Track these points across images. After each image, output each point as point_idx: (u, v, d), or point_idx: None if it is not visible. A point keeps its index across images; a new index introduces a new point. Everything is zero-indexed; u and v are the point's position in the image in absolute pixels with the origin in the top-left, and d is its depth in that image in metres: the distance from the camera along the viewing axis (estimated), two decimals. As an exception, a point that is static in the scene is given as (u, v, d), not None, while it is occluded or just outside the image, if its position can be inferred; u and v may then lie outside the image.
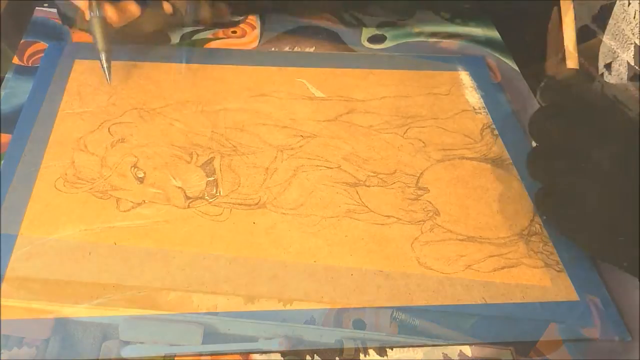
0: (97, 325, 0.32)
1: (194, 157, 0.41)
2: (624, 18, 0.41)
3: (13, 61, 0.47)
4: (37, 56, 0.47)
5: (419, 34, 0.56)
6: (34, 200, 0.37)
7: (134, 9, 0.45)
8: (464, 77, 0.51)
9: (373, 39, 0.54)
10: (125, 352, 0.31)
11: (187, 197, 0.38)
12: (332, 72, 0.49)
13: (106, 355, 0.30)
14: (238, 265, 0.35)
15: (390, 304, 0.34)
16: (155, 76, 0.47)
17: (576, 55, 0.41)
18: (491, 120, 0.47)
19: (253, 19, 0.55)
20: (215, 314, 0.33)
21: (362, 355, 0.32)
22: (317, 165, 0.41)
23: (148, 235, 0.36)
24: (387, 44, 0.54)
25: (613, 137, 0.33)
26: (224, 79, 0.47)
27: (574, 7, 0.42)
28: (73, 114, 0.43)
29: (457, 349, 0.33)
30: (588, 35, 0.45)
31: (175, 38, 0.51)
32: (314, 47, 0.52)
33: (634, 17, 0.40)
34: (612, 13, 0.43)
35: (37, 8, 0.52)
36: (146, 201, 0.38)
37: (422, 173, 0.42)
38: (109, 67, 0.43)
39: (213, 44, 0.51)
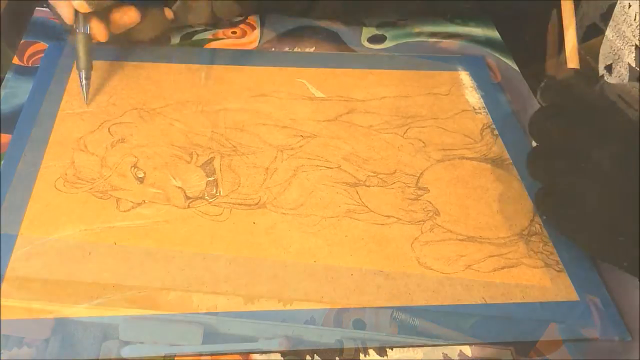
0: (97, 325, 0.32)
1: (194, 157, 0.41)
2: (624, 20, 0.41)
3: (13, 61, 0.47)
4: (37, 56, 0.47)
5: (419, 34, 0.56)
6: (34, 200, 0.37)
7: (134, 15, 0.44)
8: (464, 77, 0.51)
9: (373, 39, 0.54)
10: (125, 352, 0.31)
11: (187, 197, 0.38)
12: (332, 72, 0.49)
13: (106, 355, 0.30)
14: (238, 265, 0.35)
15: (390, 304, 0.34)
16: (155, 76, 0.47)
17: (576, 55, 0.41)
18: (491, 120, 0.47)
19: (253, 19, 0.55)
20: (215, 314, 0.33)
21: (362, 355, 0.32)
22: (317, 165, 0.41)
23: (148, 235, 0.36)
24: (387, 44, 0.54)
25: (613, 137, 0.33)
26: (224, 79, 0.47)
27: (581, 6, 0.42)
28: (73, 114, 0.43)
29: (457, 349, 0.33)
30: (596, 33, 0.45)
31: (175, 38, 0.51)
32: (314, 47, 0.52)
33: (635, 19, 0.40)
34: (613, 15, 0.42)
35: (37, 8, 0.52)
36: (146, 201, 0.38)
37: (422, 173, 0.42)
38: (87, 86, 0.43)
39: (213, 44, 0.51)
